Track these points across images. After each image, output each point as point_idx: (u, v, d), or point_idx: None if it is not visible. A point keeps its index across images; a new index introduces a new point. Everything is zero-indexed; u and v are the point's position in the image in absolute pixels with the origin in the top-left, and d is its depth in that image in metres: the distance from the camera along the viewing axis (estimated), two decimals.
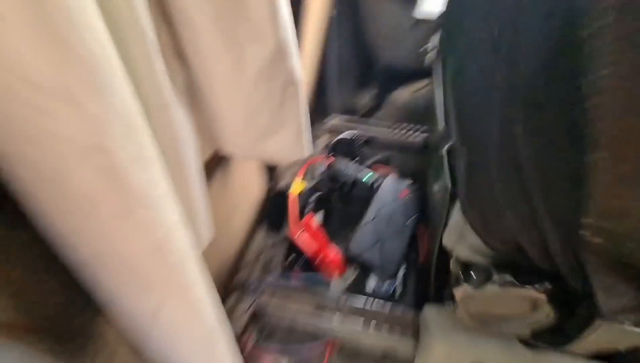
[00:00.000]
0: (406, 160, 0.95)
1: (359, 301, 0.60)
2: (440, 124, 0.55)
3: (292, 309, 0.58)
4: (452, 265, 0.43)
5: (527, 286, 0.34)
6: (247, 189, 0.87)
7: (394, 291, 0.67)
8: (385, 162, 0.94)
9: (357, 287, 0.68)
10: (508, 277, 0.35)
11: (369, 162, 0.92)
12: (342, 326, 0.56)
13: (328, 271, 0.69)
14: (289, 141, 0.57)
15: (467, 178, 0.36)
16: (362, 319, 0.56)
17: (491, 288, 0.35)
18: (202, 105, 0.50)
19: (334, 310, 0.58)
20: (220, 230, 0.70)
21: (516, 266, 0.35)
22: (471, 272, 0.37)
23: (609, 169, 0.22)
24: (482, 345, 0.44)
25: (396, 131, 0.98)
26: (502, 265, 0.36)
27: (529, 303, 0.35)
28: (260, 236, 0.99)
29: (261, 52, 0.47)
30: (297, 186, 0.77)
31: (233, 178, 0.75)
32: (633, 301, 0.26)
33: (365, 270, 0.68)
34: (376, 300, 0.59)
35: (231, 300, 0.80)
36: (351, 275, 0.68)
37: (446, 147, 0.46)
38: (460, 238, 0.40)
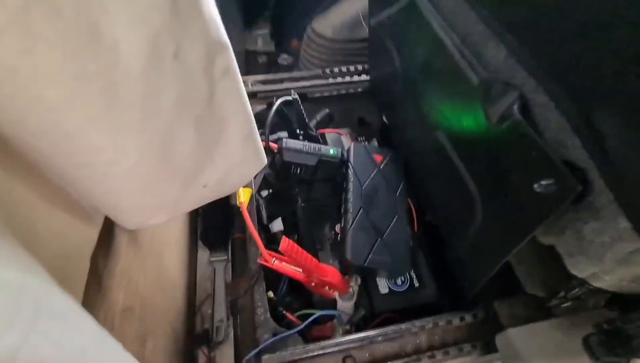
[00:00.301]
0: (352, 111, 0.77)
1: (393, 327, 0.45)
2: (470, 75, 0.36)
3: None
4: (584, 293, 0.30)
5: None
6: None
7: (412, 281, 0.54)
8: (328, 121, 0.75)
9: (369, 294, 0.53)
10: None
11: (312, 126, 0.71)
12: None
13: (327, 294, 0.52)
14: (237, 153, 0.34)
15: None
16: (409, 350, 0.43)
17: None
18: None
19: (366, 346, 0.43)
20: (159, 283, 0.51)
21: None
22: None
23: None
24: None
25: (329, 77, 0.78)
26: None
27: None
28: (204, 263, 0.75)
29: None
30: (244, 194, 0.54)
31: None
32: None
33: (369, 271, 0.53)
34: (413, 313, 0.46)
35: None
36: (355, 284, 0.53)
37: (516, 107, 0.30)
38: (618, 265, 0.26)
